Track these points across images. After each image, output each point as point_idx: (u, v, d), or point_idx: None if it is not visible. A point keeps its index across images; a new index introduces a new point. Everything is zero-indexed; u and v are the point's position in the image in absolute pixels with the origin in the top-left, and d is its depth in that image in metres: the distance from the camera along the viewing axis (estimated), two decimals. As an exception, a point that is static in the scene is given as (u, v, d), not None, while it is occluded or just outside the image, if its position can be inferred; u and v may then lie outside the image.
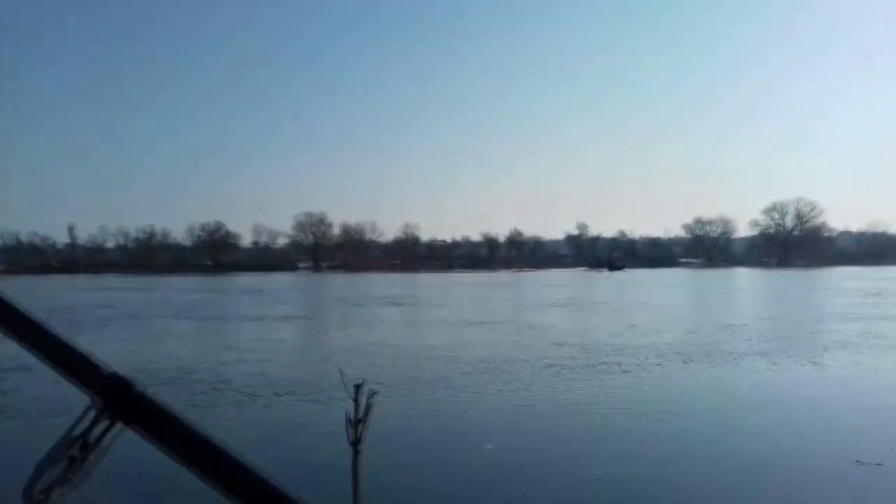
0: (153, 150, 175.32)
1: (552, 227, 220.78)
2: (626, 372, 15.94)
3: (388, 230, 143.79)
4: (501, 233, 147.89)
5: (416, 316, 34.07)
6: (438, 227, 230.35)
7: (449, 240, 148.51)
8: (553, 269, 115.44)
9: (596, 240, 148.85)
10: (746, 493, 7.77)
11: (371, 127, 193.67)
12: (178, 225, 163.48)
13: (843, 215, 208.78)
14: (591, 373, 15.80)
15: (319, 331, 27.84)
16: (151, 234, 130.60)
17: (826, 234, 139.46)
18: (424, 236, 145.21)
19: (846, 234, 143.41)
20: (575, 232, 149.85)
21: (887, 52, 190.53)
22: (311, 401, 12.75)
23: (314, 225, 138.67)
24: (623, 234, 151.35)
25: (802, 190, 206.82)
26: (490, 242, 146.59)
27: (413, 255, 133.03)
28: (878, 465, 8.35)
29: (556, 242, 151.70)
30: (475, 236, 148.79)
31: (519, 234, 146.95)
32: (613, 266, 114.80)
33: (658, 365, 16.93)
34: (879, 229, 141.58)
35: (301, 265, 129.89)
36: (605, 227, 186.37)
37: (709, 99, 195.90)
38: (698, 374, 15.92)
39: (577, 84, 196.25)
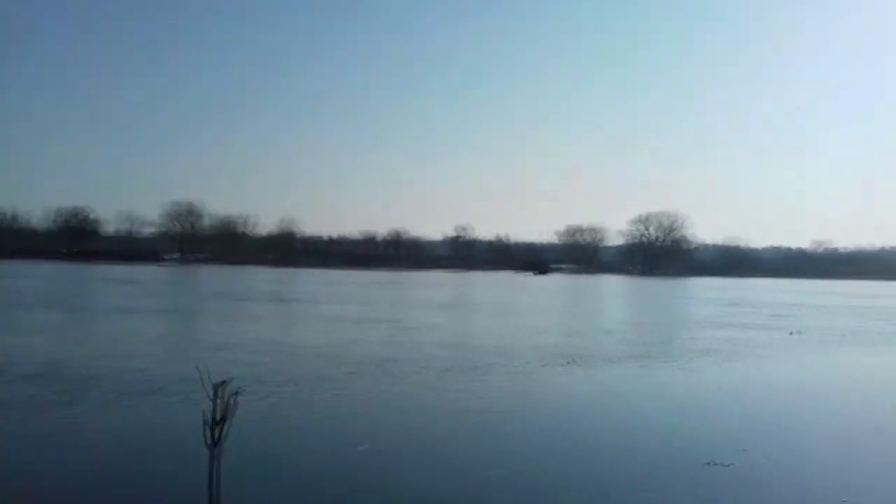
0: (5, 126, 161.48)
1: (431, 228, 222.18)
2: (508, 374, 15.94)
3: (264, 224, 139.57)
4: (381, 231, 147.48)
5: (299, 313, 33.00)
6: (317, 223, 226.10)
7: (328, 236, 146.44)
8: (434, 270, 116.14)
9: (474, 242, 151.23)
10: (597, 494, 7.86)
11: (251, 117, 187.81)
12: (35, 208, 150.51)
13: (702, 228, 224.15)
14: (475, 374, 15.69)
15: (193, 326, 26.34)
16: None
17: (687, 246, 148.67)
18: (302, 232, 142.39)
19: (705, 246, 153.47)
20: (454, 234, 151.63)
21: (752, 71, 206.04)
22: (181, 400, 11.84)
23: (184, 215, 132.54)
24: (500, 238, 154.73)
25: (668, 203, 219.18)
26: (370, 241, 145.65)
27: (290, 250, 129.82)
28: (729, 465, 8.64)
29: (434, 243, 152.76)
30: (355, 234, 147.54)
31: (399, 233, 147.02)
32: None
33: (542, 366, 17.09)
34: (734, 243, 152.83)
35: (168, 256, 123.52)
36: (483, 230, 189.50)
37: (587, 111, 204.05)
38: (571, 376, 16.20)
39: (459, 89, 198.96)
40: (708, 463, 8.75)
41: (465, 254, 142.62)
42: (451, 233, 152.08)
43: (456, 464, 8.88)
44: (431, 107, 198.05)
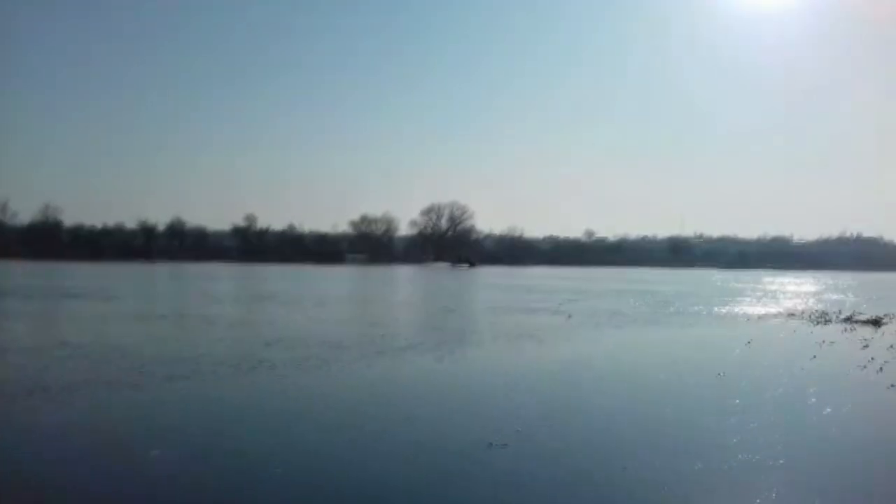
0: None
1: (217, 219, 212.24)
2: (305, 366, 15.13)
3: (22, 212, 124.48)
4: (161, 221, 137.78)
5: (85, 310, 29.14)
6: (86, 212, 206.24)
7: (99, 226, 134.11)
8: (215, 262, 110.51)
9: (264, 232, 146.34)
10: (382, 480, 7.85)
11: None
12: None
13: (486, 220, 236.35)
14: (289, 370, 14.67)
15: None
16: None
17: (474, 236, 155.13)
18: (68, 221, 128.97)
19: (489, 236, 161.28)
20: (242, 224, 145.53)
21: (532, 75, 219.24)
22: None
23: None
24: (292, 227, 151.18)
25: (456, 195, 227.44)
26: (147, 231, 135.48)
27: (54, 242, 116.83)
28: (506, 445, 9.03)
29: (221, 234, 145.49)
30: (131, 224, 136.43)
31: (181, 223, 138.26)
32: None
33: (338, 357, 16.31)
34: (515, 233, 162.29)
35: None
36: (273, 219, 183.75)
37: (377, 104, 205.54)
38: (367, 366, 15.73)
39: (243, 76, 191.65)
40: (489, 445, 9.03)
41: (254, 245, 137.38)
42: (238, 223, 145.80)
43: (251, 463, 8.41)
44: (216, 93, 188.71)
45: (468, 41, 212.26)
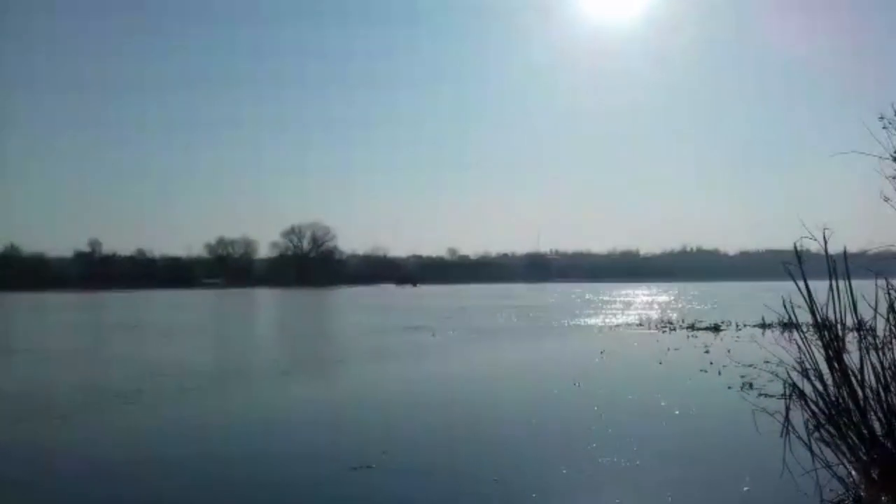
0: None
1: (59, 243, 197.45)
2: (156, 399, 14.21)
3: None
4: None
5: None
6: None
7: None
8: (55, 291, 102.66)
9: (111, 258, 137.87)
10: None
11: None
12: None
13: (350, 239, 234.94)
14: (129, 402, 13.67)
15: None
16: None
17: (339, 256, 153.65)
18: None
19: (354, 256, 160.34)
20: (86, 249, 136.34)
21: (388, 101, 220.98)
22: None
23: None
24: (142, 251, 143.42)
25: (318, 215, 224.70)
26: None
27: None
28: (370, 468, 8.96)
29: (62, 261, 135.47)
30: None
31: (16, 249, 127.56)
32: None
33: (190, 387, 15.48)
34: (380, 253, 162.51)
35: None
36: (120, 244, 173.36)
37: (234, 121, 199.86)
38: (225, 394, 15.16)
39: (98, 92, 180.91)
40: (352, 468, 8.90)
41: (100, 271, 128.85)
42: (82, 248, 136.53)
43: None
44: (55, 106, 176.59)
45: (326, 56, 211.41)
